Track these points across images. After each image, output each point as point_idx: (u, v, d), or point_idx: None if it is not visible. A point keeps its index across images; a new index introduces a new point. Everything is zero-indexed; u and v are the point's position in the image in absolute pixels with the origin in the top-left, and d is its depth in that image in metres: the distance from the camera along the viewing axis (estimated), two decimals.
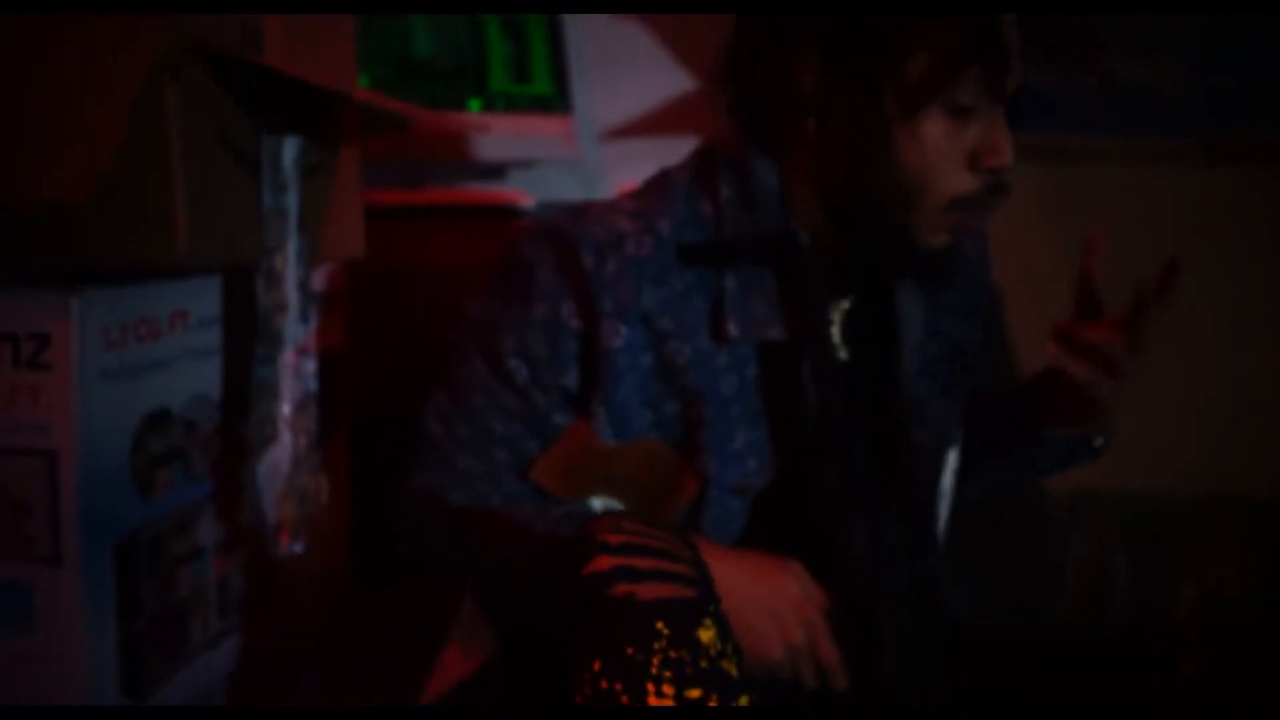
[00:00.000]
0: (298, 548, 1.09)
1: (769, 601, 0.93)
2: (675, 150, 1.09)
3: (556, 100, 2.09)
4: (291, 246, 1.06)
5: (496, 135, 2.04)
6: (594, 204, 1.05)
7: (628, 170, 2.33)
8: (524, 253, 1.01)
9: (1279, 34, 1.56)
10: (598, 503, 1.04)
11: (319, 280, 1.23)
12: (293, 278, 1.07)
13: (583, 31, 2.20)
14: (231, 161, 1.01)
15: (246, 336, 1.09)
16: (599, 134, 2.26)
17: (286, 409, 1.08)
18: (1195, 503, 1.66)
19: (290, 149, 1.05)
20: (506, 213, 1.94)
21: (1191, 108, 1.59)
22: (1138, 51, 1.61)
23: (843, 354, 1.05)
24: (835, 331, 1.04)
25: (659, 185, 1.05)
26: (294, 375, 1.08)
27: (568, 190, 2.21)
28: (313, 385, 1.10)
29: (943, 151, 0.94)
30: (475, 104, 2.02)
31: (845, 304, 1.04)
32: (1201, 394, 1.65)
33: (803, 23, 0.96)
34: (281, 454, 1.07)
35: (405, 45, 1.98)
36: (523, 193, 1.97)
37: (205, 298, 1.09)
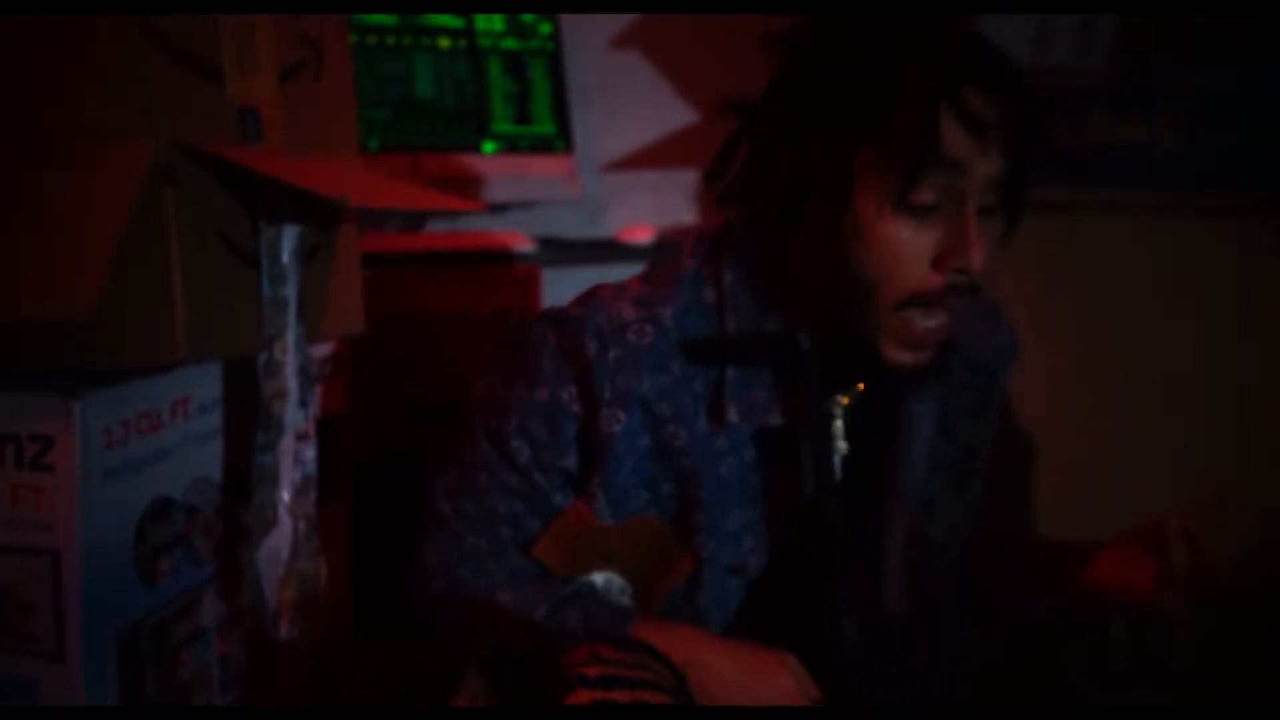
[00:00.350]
0: (296, 631, 1.11)
1: (763, 699, 0.95)
2: (674, 181, 1.10)
3: (558, 140, 2.10)
4: (291, 335, 1.07)
5: (498, 176, 2.05)
6: (602, 288, 1.07)
7: (628, 202, 2.34)
8: (531, 337, 1.03)
9: (1268, 95, 1.57)
10: (599, 577, 1.06)
11: (320, 348, 1.24)
12: (292, 365, 1.08)
13: (583, 68, 2.21)
14: (230, 257, 1.02)
15: (246, 420, 1.11)
16: (599, 167, 2.27)
17: (286, 495, 1.09)
18: None
19: (289, 238, 1.06)
20: (506, 257, 1.95)
21: (1185, 165, 1.60)
22: (1135, 109, 1.62)
23: (842, 445, 1.05)
24: (838, 424, 1.05)
25: (667, 269, 1.06)
26: (294, 461, 1.10)
27: (570, 226, 2.22)
28: (311, 469, 1.12)
29: (904, 250, 0.93)
30: (489, 146, 2.03)
31: (847, 397, 1.05)
32: (1192, 447, 1.66)
33: (779, 120, 0.97)
34: (281, 539, 1.09)
35: (407, 88, 1.98)
36: (522, 234, 1.98)
37: (206, 382, 1.10)
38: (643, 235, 2.02)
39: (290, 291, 1.07)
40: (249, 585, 1.09)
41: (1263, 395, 1.71)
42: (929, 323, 0.95)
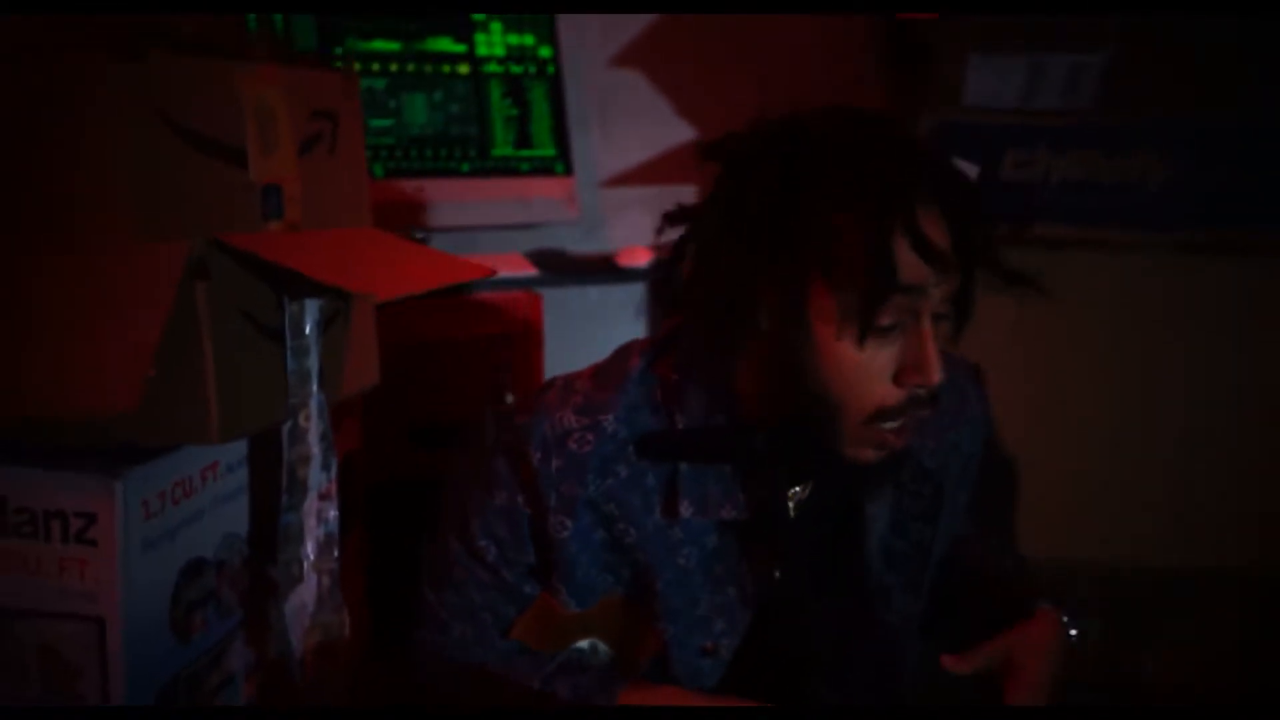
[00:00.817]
0: (318, 675, 1.18)
1: None
2: (672, 197, 1.13)
3: (558, 162, 2.14)
4: (314, 403, 1.13)
5: (499, 199, 2.10)
6: (550, 390, 1.11)
7: (626, 219, 2.39)
8: (487, 443, 1.09)
9: (1248, 139, 1.62)
10: (584, 644, 1.13)
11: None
12: (315, 431, 1.14)
13: (582, 88, 2.25)
14: (256, 334, 1.08)
15: (269, 477, 1.17)
16: (599, 184, 2.32)
17: (311, 552, 1.16)
18: (1160, 573, 1.75)
19: (310, 312, 1.12)
20: (508, 282, 2.00)
21: (1168, 205, 1.66)
22: (1120, 149, 1.68)
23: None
24: (791, 512, 1.08)
25: (614, 370, 1.10)
26: (317, 519, 1.16)
27: (569, 241, 2.28)
28: (333, 527, 1.18)
29: (864, 369, 0.94)
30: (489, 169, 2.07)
31: (801, 490, 1.09)
32: (1171, 473, 1.74)
33: (723, 236, 0.98)
34: (307, 594, 1.16)
35: (410, 115, 2.03)
36: (523, 256, 2.04)
37: (233, 446, 1.16)
38: (641, 258, 2.08)
39: (313, 362, 1.12)
40: (276, 637, 1.16)
41: (1236, 416, 1.79)
42: (894, 426, 0.97)
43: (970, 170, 1.83)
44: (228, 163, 1.08)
